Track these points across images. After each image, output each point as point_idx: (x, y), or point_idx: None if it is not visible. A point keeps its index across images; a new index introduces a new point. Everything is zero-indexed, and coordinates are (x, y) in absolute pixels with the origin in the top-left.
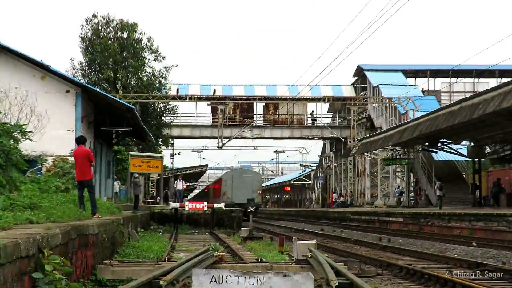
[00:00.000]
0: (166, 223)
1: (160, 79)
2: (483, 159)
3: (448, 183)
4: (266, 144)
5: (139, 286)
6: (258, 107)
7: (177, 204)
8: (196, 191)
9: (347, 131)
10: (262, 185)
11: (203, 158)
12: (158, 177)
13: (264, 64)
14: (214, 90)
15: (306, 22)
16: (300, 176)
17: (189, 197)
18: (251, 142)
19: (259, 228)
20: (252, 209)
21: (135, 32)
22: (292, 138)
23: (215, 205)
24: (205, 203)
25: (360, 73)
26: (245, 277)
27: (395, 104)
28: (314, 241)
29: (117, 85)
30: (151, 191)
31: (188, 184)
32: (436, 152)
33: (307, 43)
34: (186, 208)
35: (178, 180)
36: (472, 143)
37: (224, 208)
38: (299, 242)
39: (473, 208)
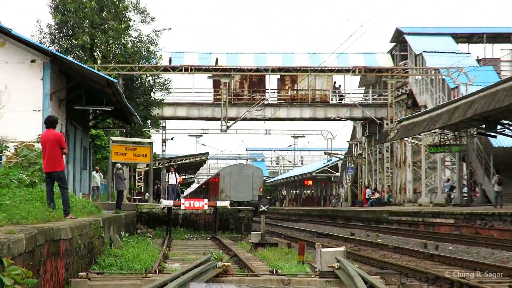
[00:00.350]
0: (156, 226)
1: (149, 45)
2: None
3: (511, 175)
4: (282, 127)
5: None
6: (272, 81)
7: (170, 202)
8: (195, 186)
9: (383, 110)
10: (273, 179)
11: (203, 145)
12: (147, 169)
13: (279, 27)
14: (216, 60)
15: None
16: (325, 167)
17: (185, 193)
18: (262, 125)
19: (273, 232)
20: (264, 208)
21: None
22: (314, 120)
23: (218, 203)
24: (206, 200)
25: (399, 37)
26: None
27: (443, 77)
28: (342, 249)
29: (95, 54)
30: (138, 185)
31: (184, 177)
32: (495, 137)
33: (332, 0)
34: (182, 207)
35: (171, 172)
36: None
37: (229, 207)
38: (323, 250)
39: None
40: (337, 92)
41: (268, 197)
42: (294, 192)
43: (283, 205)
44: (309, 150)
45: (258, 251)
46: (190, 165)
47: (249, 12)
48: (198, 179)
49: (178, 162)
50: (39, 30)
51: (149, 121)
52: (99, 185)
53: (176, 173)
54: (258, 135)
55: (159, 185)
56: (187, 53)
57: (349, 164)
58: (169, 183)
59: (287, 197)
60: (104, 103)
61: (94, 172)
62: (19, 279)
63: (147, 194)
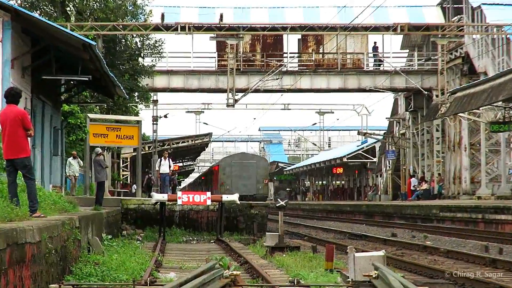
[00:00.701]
0: (147, 226)
1: None
2: None
3: None
4: (304, 101)
5: None
6: (291, 42)
7: (164, 196)
8: (195, 176)
9: (433, 79)
10: (293, 166)
11: (205, 124)
12: (134, 154)
13: None
14: (221, 16)
15: None
16: (358, 150)
17: (183, 185)
18: (279, 98)
19: (294, 232)
20: (282, 202)
21: None
22: (345, 91)
23: (225, 197)
24: (209, 194)
25: None
26: None
27: (508, 35)
28: (381, 253)
29: (68, 9)
30: (123, 175)
31: (181, 164)
32: None
33: None
34: (179, 202)
35: (163, 158)
36: None
37: (238, 202)
38: (358, 255)
39: None
40: (373, 56)
41: (287, 189)
42: (320, 182)
43: (306, 198)
44: (338, 130)
45: (275, 257)
46: (188, 150)
47: None
48: (198, 167)
49: (174, 146)
50: None
51: (136, 94)
52: (77, 174)
53: (171, 160)
54: (274, 111)
55: (150, 175)
56: (184, 7)
57: (390, 147)
58: (161, 171)
59: (311, 189)
60: (80, 71)
61: (71, 158)
62: None
63: (134, 186)
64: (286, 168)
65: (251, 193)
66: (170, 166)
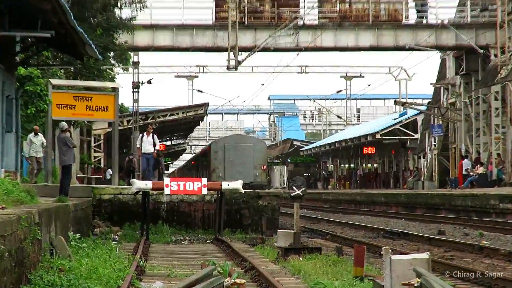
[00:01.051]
0: (126, 222)
1: None
2: None
3: None
4: (326, 62)
5: None
6: None
7: (147, 184)
8: (186, 157)
9: (490, 34)
10: (312, 145)
11: (199, 92)
12: (109, 130)
13: None
14: None
15: None
16: (395, 125)
17: (171, 170)
18: (294, 59)
19: (312, 229)
20: (298, 191)
21: None
22: (378, 49)
23: (225, 185)
24: (204, 180)
25: None
26: None
27: None
28: (425, 255)
29: None
30: (96, 158)
31: (169, 142)
32: None
33: None
34: (167, 190)
35: (146, 134)
36: None
37: (242, 191)
38: (395, 258)
39: None
40: (415, 4)
41: (305, 174)
42: (346, 166)
43: (329, 186)
44: (369, 99)
45: (289, 261)
46: (178, 125)
47: None
48: (191, 146)
49: (160, 120)
50: None
51: (111, 53)
52: (40, 156)
53: (156, 137)
54: (288, 76)
55: (131, 157)
56: None
57: (435, 120)
58: (144, 151)
59: (335, 174)
60: (40, 26)
61: (32, 135)
62: None
63: (109, 171)
64: (303, 147)
65: (247, 181)
66: (155, 145)
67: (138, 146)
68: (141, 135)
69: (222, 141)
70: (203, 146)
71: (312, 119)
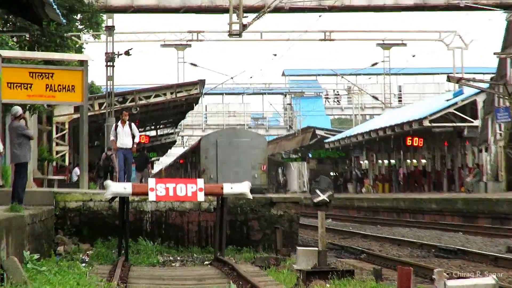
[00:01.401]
0: (98, 238)
1: None
2: None
3: None
4: (357, 26)
5: None
6: None
7: (125, 187)
8: (176, 153)
9: None
10: (340, 136)
11: (193, 65)
12: (76, 116)
13: None
14: None
15: None
16: (449, 108)
17: (156, 169)
18: (316, 21)
19: (342, 246)
20: (323, 196)
21: None
22: (424, 9)
23: (227, 188)
24: (201, 182)
25: None
26: None
27: None
28: (490, 279)
29: None
30: (58, 152)
31: (154, 133)
32: None
33: None
34: (152, 196)
35: (121, 123)
36: None
37: (250, 196)
38: (451, 283)
39: None
40: None
41: (332, 173)
42: (385, 162)
43: (363, 189)
44: (414, 74)
45: None
46: (166, 109)
47: None
48: (183, 138)
49: (141, 103)
50: None
51: (78, 16)
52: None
53: (134, 126)
54: (308, 44)
55: (109, 153)
56: None
57: (501, 101)
58: (120, 145)
59: (371, 174)
60: None
61: None
62: None
63: (76, 170)
64: (328, 138)
65: None
66: (133, 136)
67: (112, 138)
68: (114, 124)
69: (213, 136)
70: (198, 138)
71: (339, 102)
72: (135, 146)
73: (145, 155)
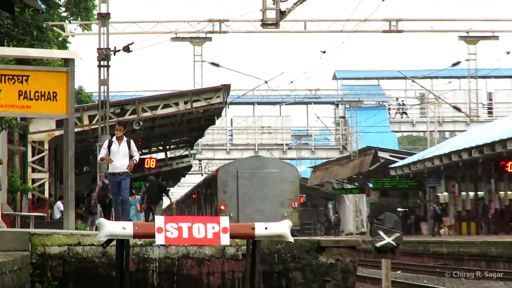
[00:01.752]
0: None
1: None
2: None
3: None
4: (430, 14)
5: None
6: None
7: (125, 227)
8: (192, 182)
9: None
10: (411, 159)
11: (214, 65)
12: (59, 135)
13: None
14: None
15: None
16: None
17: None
18: (376, 9)
19: None
20: (389, 239)
21: None
22: None
23: (260, 228)
24: (225, 220)
25: None
26: None
27: None
28: None
29: None
30: (36, 181)
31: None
32: None
33: None
34: (160, 239)
35: (116, 140)
36: None
37: (291, 239)
38: None
39: None
40: None
41: (399, 209)
42: (471, 194)
43: (442, 230)
44: (509, 76)
45: None
46: (178, 124)
47: None
48: (200, 162)
49: (146, 115)
50: None
51: (62, 0)
52: None
53: (133, 143)
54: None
55: (107, 182)
56: None
57: None
58: (111, 170)
59: (451, 209)
60: None
61: None
62: None
63: (59, 204)
64: (394, 162)
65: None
66: (132, 157)
67: (103, 155)
68: (107, 141)
69: (233, 166)
70: (220, 164)
71: (407, 114)
72: (133, 161)
73: (160, 183)
